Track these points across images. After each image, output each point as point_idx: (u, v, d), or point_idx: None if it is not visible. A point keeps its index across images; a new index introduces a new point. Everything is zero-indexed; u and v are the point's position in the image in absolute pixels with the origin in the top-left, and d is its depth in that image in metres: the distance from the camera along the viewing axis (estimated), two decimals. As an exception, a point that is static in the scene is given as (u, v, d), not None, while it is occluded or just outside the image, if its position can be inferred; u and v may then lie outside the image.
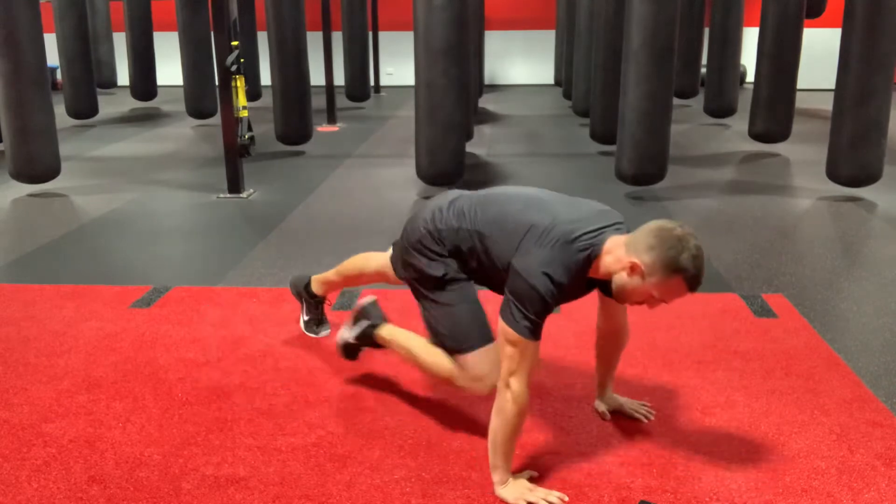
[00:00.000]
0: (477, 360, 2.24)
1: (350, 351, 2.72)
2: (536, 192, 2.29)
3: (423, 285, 2.32)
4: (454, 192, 2.41)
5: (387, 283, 2.76)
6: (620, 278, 2.00)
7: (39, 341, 3.10)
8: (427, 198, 5.58)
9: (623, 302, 2.10)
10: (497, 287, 2.20)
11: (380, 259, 2.75)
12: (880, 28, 4.91)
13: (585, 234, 2.03)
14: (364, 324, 2.65)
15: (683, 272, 1.92)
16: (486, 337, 2.26)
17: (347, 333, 2.68)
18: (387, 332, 2.58)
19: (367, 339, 2.64)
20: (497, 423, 2.06)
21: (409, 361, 2.52)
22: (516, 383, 2.01)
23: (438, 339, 2.33)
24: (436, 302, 2.30)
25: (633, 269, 1.96)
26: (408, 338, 2.51)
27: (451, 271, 2.26)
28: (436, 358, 2.35)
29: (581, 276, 2.05)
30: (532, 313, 1.98)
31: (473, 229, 2.19)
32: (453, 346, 2.28)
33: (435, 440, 2.36)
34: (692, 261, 1.92)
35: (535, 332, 2.00)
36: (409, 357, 2.48)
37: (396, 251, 2.51)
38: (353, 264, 2.90)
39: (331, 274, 2.99)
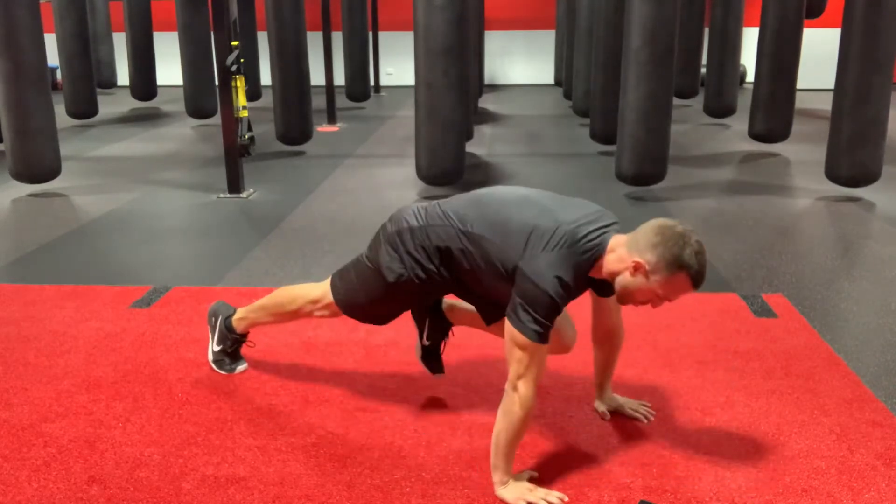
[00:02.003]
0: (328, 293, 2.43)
1: (227, 360, 2.80)
2: (531, 193, 2.27)
3: (369, 264, 2.33)
4: (442, 200, 2.37)
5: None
6: (624, 278, 2.00)
7: (39, 341, 3.10)
8: (428, 198, 5.59)
9: (626, 303, 2.09)
10: (484, 291, 2.20)
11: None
12: (879, 28, 4.91)
13: (589, 234, 2.03)
14: (218, 322, 2.75)
15: (687, 268, 1.92)
16: (350, 302, 2.41)
17: (212, 347, 2.79)
18: (241, 313, 2.71)
19: (232, 334, 2.74)
20: (502, 425, 2.05)
21: (270, 318, 2.64)
22: (524, 387, 2.00)
23: (336, 277, 2.44)
24: (362, 275, 2.35)
25: (636, 268, 1.96)
26: (259, 302, 2.67)
27: (402, 281, 2.25)
28: (286, 296, 2.55)
29: (586, 277, 2.05)
30: (542, 316, 1.97)
31: (470, 231, 2.15)
32: (339, 294, 2.41)
33: (435, 440, 2.36)
34: (695, 257, 1.92)
35: (543, 336, 1.99)
36: (269, 314, 2.62)
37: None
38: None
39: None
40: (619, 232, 2.09)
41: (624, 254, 1.99)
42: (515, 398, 2.01)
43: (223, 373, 2.79)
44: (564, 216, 2.07)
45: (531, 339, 1.97)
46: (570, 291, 1.99)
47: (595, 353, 2.47)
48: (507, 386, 2.04)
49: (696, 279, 1.95)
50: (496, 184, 6.07)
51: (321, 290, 2.49)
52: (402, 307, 2.43)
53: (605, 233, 2.05)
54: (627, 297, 2.04)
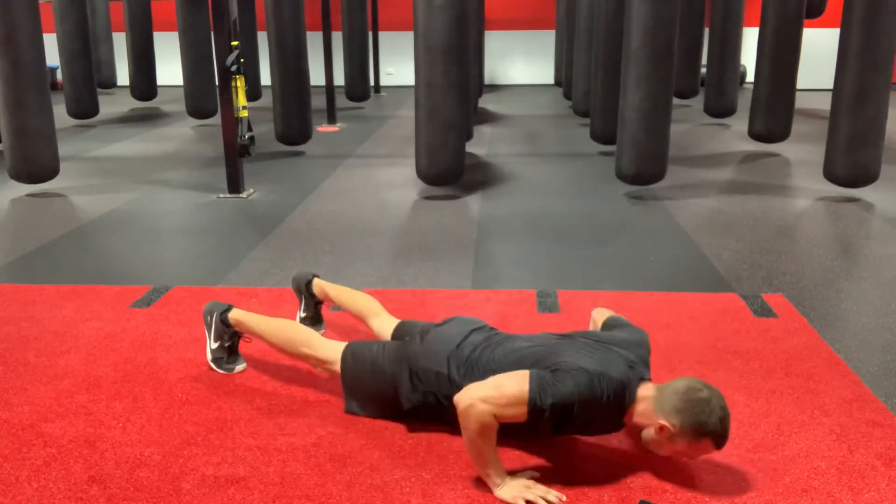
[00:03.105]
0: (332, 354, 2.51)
1: (226, 358, 2.82)
2: (567, 337, 2.33)
3: (380, 390, 2.42)
4: (475, 332, 2.41)
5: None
6: (649, 434, 2.09)
7: (39, 341, 3.10)
8: (427, 198, 5.59)
9: (651, 451, 2.17)
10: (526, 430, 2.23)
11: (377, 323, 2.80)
12: (878, 28, 4.91)
13: (631, 382, 2.10)
14: (213, 318, 2.79)
15: (712, 435, 2.01)
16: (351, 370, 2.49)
17: (210, 346, 2.83)
18: (240, 315, 2.75)
19: (229, 328, 2.78)
20: (468, 440, 2.07)
21: (268, 340, 2.66)
22: (486, 409, 2.01)
23: (349, 355, 2.49)
24: (377, 378, 2.43)
25: (661, 429, 2.04)
26: (263, 321, 2.71)
27: (415, 408, 2.36)
28: (297, 338, 2.60)
29: (615, 414, 2.11)
30: (554, 396, 2.01)
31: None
32: (349, 377, 2.48)
33: (435, 440, 2.36)
34: (720, 423, 2.00)
35: (536, 409, 2.01)
36: (270, 338, 2.65)
37: (398, 347, 2.51)
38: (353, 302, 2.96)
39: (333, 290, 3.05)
40: (644, 375, 2.16)
41: (649, 410, 2.06)
42: (472, 412, 2.01)
43: (222, 372, 2.79)
44: (613, 367, 2.10)
45: (531, 399, 2.01)
46: (599, 398, 2.03)
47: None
48: (469, 398, 2.03)
49: (719, 443, 2.04)
50: (496, 184, 6.07)
51: (334, 354, 2.53)
52: (398, 416, 2.47)
53: (632, 379, 2.12)
54: (652, 449, 2.14)
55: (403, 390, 2.37)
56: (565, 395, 2.01)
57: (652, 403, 2.06)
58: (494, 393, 2.03)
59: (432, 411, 2.35)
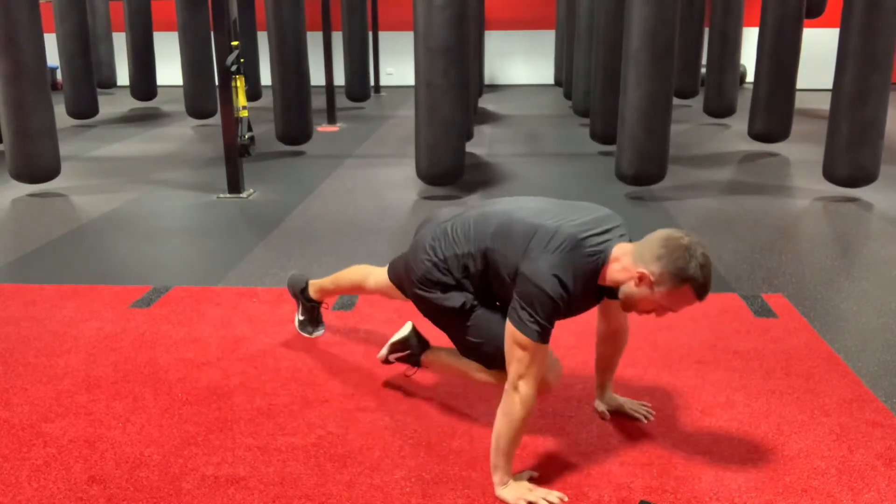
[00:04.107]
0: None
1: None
2: (535, 200, 2.28)
3: (445, 316, 2.29)
4: (446, 214, 2.36)
5: (387, 298, 2.76)
6: (628, 288, 2.01)
7: (39, 341, 3.10)
8: (427, 198, 5.59)
9: (629, 311, 2.10)
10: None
11: (379, 277, 2.72)
12: (878, 28, 4.91)
13: (591, 238, 2.03)
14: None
15: (692, 281, 1.93)
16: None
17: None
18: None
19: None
20: (502, 425, 2.05)
21: (456, 375, 2.56)
22: (525, 387, 2.01)
23: (472, 349, 2.31)
24: (463, 325, 2.27)
25: (641, 279, 1.97)
26: (451, 358, 2.50)
27: (469, 299, 2.23)
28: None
29: (590, 284, 2.05)
30: (541, 316, 1.97)
31: (477, 249, 2.16)
32: (492, 351, 2.22)
33: (435, 440, 2.36)
34: (700, 269, 1.93)
35: (543, 336, 1.99)
36: (454, 372, 2.54)
37: (398, 275, 2.50)
38: (349, 277, 2.89)
39: (327, 282, 2.99)
40: (625, 237, 2.09)
41: (629, 263, 2.00)
42: (516, 398, 2.01)
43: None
44: (568, 219, 2.07)
45: (531, 338, 1.97)
46: (571, 294, 1.99)
47: (598, 351, 2.47)
48: (508, 385, 2.04)
49: (701, 291, 1.96)
50: (496, 184, 6.07)
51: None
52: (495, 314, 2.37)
53: (608, 240, 2.05)
54: (631, 306, 2.05)
55: (444, 299, 2.27)
56: (547, 305, 1.96)
57: (631, 256, 2.00)
58: (517, 366, 2.01)
59: (480, 288, 2.25)
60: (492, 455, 2.09)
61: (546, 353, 2.03)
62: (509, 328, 2.02)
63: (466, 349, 2.33)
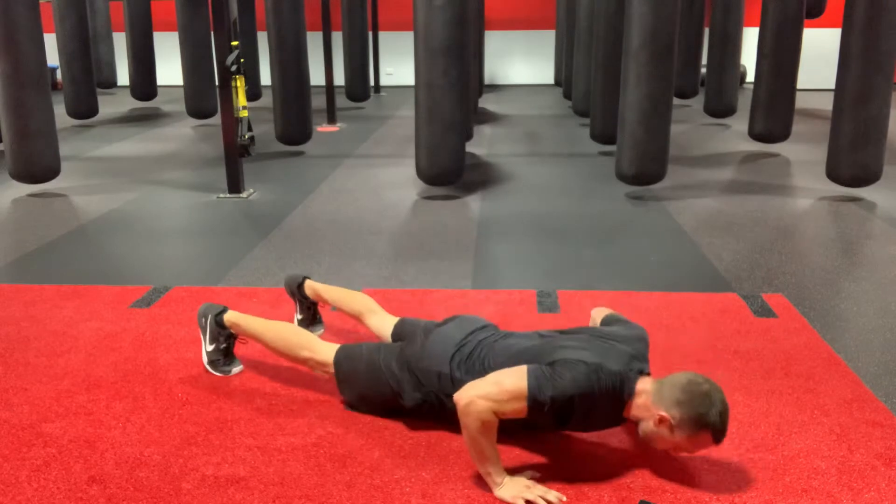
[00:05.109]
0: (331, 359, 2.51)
1: (222, 360, 2.81)
2: (566, 332, 2.36)
3: (388, 375, 2.40)
4: (477, 332, 2.41)
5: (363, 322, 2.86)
6: (647, 426, 2.08)
7: (39, 341, 3.10)
8: (427, 198, 5.59)
9: (648, 444, 2.17)
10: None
11: (383, 319, 2.78)
12: (880, 28, 4.91)
13: (629, 376, 2.09)
14: (208, 321, 2.77)
15: (712, 427, 2.00)
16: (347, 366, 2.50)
17: (205, 348, 2.81)
18: (235, 318, 2.73)
19: (224, 330, 2.76)
20: (467, 439, 2.08)
21: (265, 343, 2.65)
22: (486, 405, 2.01)
23: (343, 357, 2.50)
24: (373, 376, 2.44)
25: (661, 421, 2.03)
26: (261, 324, 2.68)
27: (417, 406, 2.36)
28: (296, 341, 2.58)
29: (614, 408, 2.11)
30: (554, 389, 2.01)
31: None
32: (344, 373, 2.49)
33: (435, 440, 2.36)
34: (719, 417, 2.00)
35: (536, 403, 2.02)
36: (267, 341, 2.63)
37: (400, 336, 2.58)
38: (353, 299, 2.92)
39: (320, 288, 3.03)
40: (644, 371, 2.16)
41: (649, 403, 2.06)
42: (472, 409, 2.01)
43: (219, 374, 2.79)
44: (611, 359, 2.11)
45: (531, 393, 2.01)
46: (596, 396, 2.03)
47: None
48: (468, 395, 2.03)
49: (718, 437, 2.03)
50: (496, 184, 6.07)
51: (331, 356, 2.53)
52: (395, 412, 2.47)
53: (631, 374, 2.12)
54: (649, 441, 2.13)
55: (406, 389, 2.37)
56: (564, 387, 2.02)
57: (652, 396, 2.06)
58: (493, 389, 2.03)
59: (433, 409, 2.36)
60: (477, 466, 2.12)
61: (520, 414, 2.05)
62: (523, 370, 2.06)
63: (355, 388, 2.50)
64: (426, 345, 2.40)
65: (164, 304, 3.49)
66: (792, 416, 2.50)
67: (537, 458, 2.26)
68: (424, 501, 2.07)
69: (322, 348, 2.55)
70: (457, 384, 2.23)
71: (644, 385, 2.10)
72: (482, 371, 2.22)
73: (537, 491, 2.07)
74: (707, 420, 1.99)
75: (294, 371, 2.82)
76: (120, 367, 2.86)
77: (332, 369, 2.51)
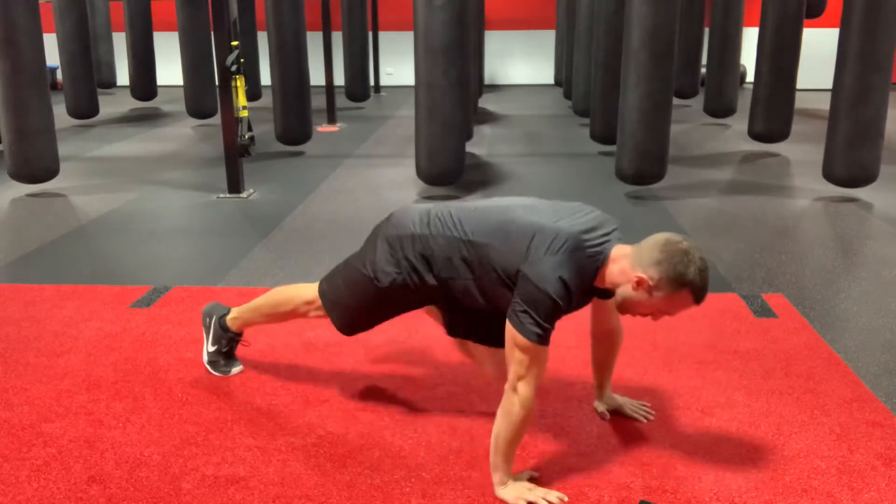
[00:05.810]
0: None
1: (222, 361, 2.79)
2: (532, 200, 2.27)
3: (361, 268, 2.33)
4: (443, 204, 2.34)
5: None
6: (625, 291, 2.01)
7: (39, 341, 3.10)
8: (428, 198, 5.59)
9: (625, 313, 2.10)
10: (473, 303, 2.19)
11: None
12: (878, 28, 4.91)
13: (591, 240, 2.03)
14: (212, 322, 2.76)
15: (691, 286, 1.93)
16: (346, 317, 2.44)
17: (207, 348, 2.79)
18: (235, 312, 2.71)
19: (227, 332, 2.74)
20: (501, 426, 2.05)
21: (265, 318, 2.66)
22: (524, 388, 2.00)
23: (325, 283, 2.46)
24: (351, 280, 2.37)
25: (639, 283, 1.97)
26: (254, 302, 2.67)
27: (396, 285, 2.26)
28: (281, 296, 2.56)
29: (589, 284, 2.05)
30: (543, 319, 1.97)
31: (472, 240, 2.14)
32: (329, 298, 2.43)
33: (435, 440, 2.36)
34: (699, 274, 1.93)
35: (544, 338, 1.99)
36: (263, 314, 2.63)
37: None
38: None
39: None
40: (622, 239, 2.09)
41: (626, 267, 2.00)
42: (515, 399, 2.01)
43: (218, 375, 2.79)
44: (567, 221, 2.07)
45: (531, 340, 1.97)
46: (571, 294, 1.99)
47: (593, 352, 2.47)
48: (507, 386, 2.04)
49: (699, 296, 1.96)
50: (496, 184, 6.07)
51: (314, 291, 2.50)
52: (386, 315, 2.43)
53: (607, 241, 2.05)
54: (628, 309, 2.05)
55: (379, 266, 2.28)
56: (548, 307, 1.96)
57: (629, 260, 2.00)
58: (516, 367, 2.00)
59: (412, 291, 2.26)
60: (491, 455, 2.09)
61: (546, 354, 2.03)
62: (510, 330, 2.01)
63: (331, 276, 2.46)
64: (396, 214, 2.36)
65: (164, 305, 3.49)
66: (792, 416, 2.50)
67: (537, 459, 2.27)
68: (424, 501, 2.07)
69: (305, 290, 2.54)
70: (430, 241, 2.19)
71: (620, 251, 2.03)
72: (456, 225, 2.17)
73: (539, 493, 2.07)
74: (686, 278, 1.92)
75: (294, 371, 2.83)
76: (120, 367, 2.86)
77: (319, 301, 2.46)
